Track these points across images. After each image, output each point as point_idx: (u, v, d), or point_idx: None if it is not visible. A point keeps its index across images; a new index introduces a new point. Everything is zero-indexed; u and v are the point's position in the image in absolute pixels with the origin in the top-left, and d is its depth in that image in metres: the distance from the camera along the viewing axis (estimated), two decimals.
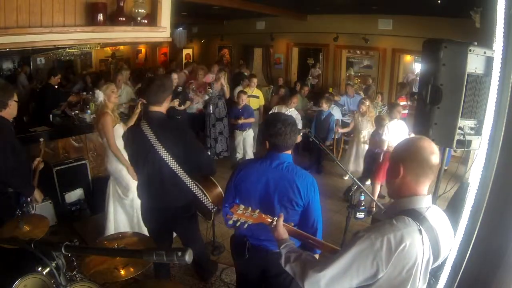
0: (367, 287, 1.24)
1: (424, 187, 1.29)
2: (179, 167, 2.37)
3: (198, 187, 2.50)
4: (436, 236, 1.24)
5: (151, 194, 2.51)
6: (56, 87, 5.63)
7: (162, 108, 2.41)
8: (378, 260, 1.18)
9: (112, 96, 3.30)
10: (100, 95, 3.24)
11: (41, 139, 3.20)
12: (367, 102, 5.29)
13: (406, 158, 1.30)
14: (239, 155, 5.78)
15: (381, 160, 4.42)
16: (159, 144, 2.32)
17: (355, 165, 5.34)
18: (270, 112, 5.77)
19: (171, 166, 2.35)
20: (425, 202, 1.28)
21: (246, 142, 5.69)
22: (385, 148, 4.34)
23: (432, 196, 1.34)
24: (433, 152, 1.26)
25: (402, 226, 1.20)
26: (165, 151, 2.32)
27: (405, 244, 1.17)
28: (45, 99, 5.29)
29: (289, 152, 1.96)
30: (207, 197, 2.59)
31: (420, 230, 1.20)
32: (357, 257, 1.20)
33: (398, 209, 1.30)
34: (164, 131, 2.37)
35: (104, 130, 3.20)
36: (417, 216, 1.23)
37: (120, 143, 3.31)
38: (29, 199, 2.70)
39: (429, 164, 1.26)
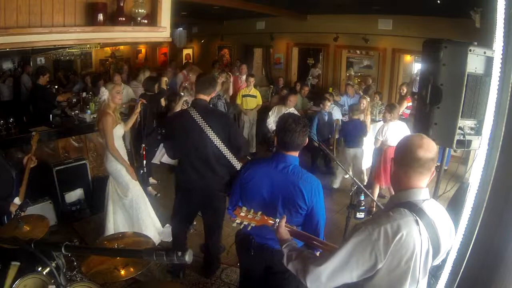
0: (367, 281, 1.25)
1: (419, 181, 1.31)
2: (223, 146, 2.66)
3: (239, 163, 2.74)
4: (434, 227, 1.25)
5: (197, 173, 2.77)
6: (49, 86, 5.60)
7: (207, 98, 2.79)
8: (376, 251, 1.20)
9: (117, 97, 3.28)
10: (105, 93, 3.21)
11: (34, 133, 3.00)
12: (368, 98, 5.37)
13: (395, 154, 1.37)
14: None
15: (379, 161, 4.42)
16: (208, 127, 2.63)
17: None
18: (270, 112, 5.78)
19: (218, 146, 2.65)
20: (422, 195, 1.30)
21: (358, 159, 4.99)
22: (377, 145, 4.34)
23: (432, 195, 1.35)
24: (420, 146, 1.27)
25: (398, 217, 1.22)
26: (213, 132, 2.63)
27: (402, 234, 1.19)
28: (36, 99, 5.27)
29: (296, 154, 1.96)
30: None
31: (416, 221, 1.22)
32: (355, 248, 1.22)
33: (395, 202, 1.33)
34: (211, 116, 2.71)
35: (104, 131, 3.19)
36: (413, 207, 1.25)
37: (119, 144, 3.32)
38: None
39: (415, 158, 1.27)
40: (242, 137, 2.90)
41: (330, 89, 7.90)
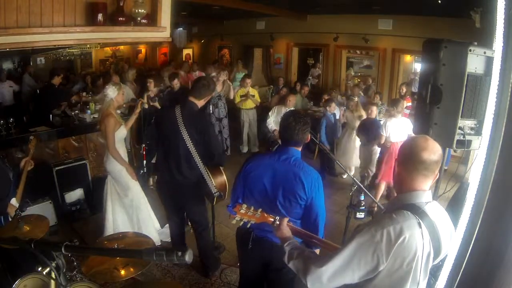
0: (368, 282, 1.25)
1: (423, 183, 1.30)
2: (194, 149, 2.78)
3: (206, 170, 2.87)
4: (436, 230, 1.25)
5: (167, 168, 2.90)
6: (57, 86, 5.64)
7: (198, 102, 2.88)
8: (378, 252, 1.20)
9: (122, 97, 3.34)
10: (114, 92, 3.20)
11: (31, 137, 3.03)
12: (356, 99, 5.44)
13: (399, 155, 1.37)
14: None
15: (381, 156, 4.42)
16: (184, 128, 2.75)
17: (344, 160, 5.32)
18: (270, 112, 5.78)
19: (188, 146, 2.77)
20: (424, 197, 1.30)
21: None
22: (382, 141, 4.35)
23: (432, 195, 1.35)
24: (424, 149, 1.27)
25: (401, 219, 1.22)
26: (187, 134, 2.76)
27: (405, 237, 1.19)
28: (47, 99, 5.27)
29: (299, 148, 2.04)
30: (211, 181, 2.88)
31: (419, 224, 1.22)
32: (358, 250, 1.22)
33: (398, 204, 1.33)
34: (192, 119, 2.80)
35: (105, 132, 3.19)
36: (416, 210, 1.25)
37: (120, 145, 3.32)
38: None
39: (419, 160, 1.27)
40: (219, 146, 3.07)
41: (333, 91, 7.87)
